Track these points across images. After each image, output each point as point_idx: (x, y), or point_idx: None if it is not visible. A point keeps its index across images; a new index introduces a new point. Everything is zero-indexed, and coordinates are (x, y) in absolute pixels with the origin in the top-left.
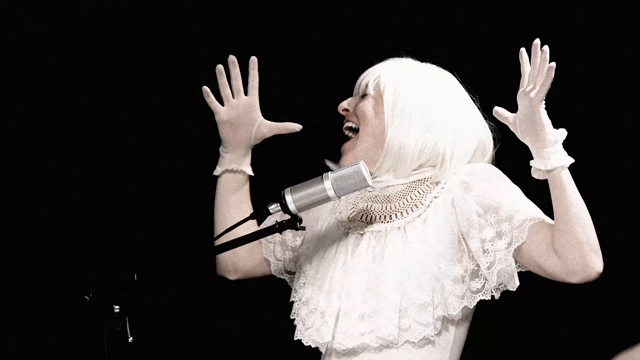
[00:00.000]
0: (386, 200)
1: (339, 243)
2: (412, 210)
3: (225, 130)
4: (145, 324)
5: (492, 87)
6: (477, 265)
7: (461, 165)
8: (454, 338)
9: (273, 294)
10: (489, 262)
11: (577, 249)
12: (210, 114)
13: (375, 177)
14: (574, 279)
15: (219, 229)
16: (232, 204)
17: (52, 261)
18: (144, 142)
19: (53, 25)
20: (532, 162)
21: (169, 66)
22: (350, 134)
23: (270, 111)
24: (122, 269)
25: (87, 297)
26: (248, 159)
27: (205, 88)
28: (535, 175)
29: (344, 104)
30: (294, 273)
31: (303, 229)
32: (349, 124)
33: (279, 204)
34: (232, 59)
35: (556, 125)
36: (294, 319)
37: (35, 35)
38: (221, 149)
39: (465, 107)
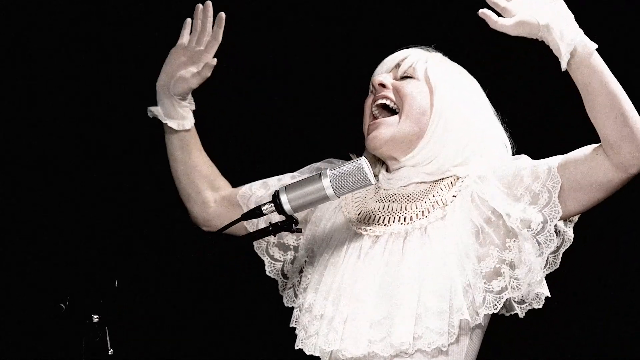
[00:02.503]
0: (405, 200)
1: (349, 245)
2: (434, 209)
3: (170, 61)
4: (127, 335)
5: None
6: (518, 249)
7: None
8: (467, 350)
9: (265, 300)
10: (541, 223)
11: (631, 140)
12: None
13: (397, 170)
14: (633, 170)
15: (179, 186)
16: (180, 162)
17: (26, 267)
18: (126, 146)
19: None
20: (574, 38)
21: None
22: (379, 113)
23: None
24: (102, 275)
25: (63, 306)
26: (176, 111)
27: (188, 20)
28: (566, 63)
29: (383, 79)
30: (284, 249)
31: (299, 231)
32: (385, 101)
33: (272, 204)
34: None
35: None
36: (295, 327)
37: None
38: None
39: (492, 113)
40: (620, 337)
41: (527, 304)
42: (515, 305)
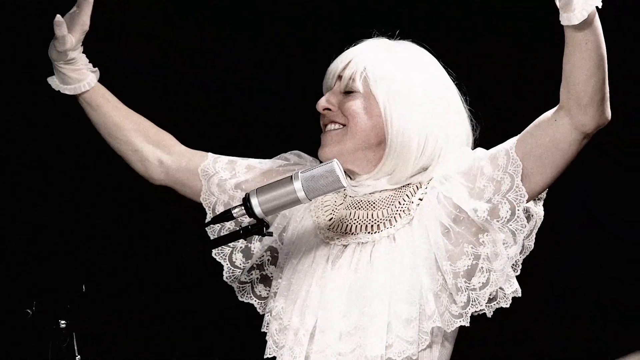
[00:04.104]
0: (371, 207)
1: (316, 252)
2: (401, 217)
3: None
4: (95, 341)
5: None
6: (492, 242)
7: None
8: (439, 356)
9: (236, 302)
10: (509, 210)
11: (602, 102)
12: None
13: (360, 180)
14: (589, 130)
15: (116, 151)
16: (100, 125)
17: None
18: (97, 150)
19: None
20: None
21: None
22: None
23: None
24: (69, 279)
25: (29, 311)
26: (69, 77)
27: None
28: (579, 20)
29: (326, 103)
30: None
31: (270, 234)
32: (333, 127)
33: (243, 207)
34: None
35: None
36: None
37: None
38: None
39: (450, 92)
40: (587, 334)
41: (495, 303)
42: (480, 308)
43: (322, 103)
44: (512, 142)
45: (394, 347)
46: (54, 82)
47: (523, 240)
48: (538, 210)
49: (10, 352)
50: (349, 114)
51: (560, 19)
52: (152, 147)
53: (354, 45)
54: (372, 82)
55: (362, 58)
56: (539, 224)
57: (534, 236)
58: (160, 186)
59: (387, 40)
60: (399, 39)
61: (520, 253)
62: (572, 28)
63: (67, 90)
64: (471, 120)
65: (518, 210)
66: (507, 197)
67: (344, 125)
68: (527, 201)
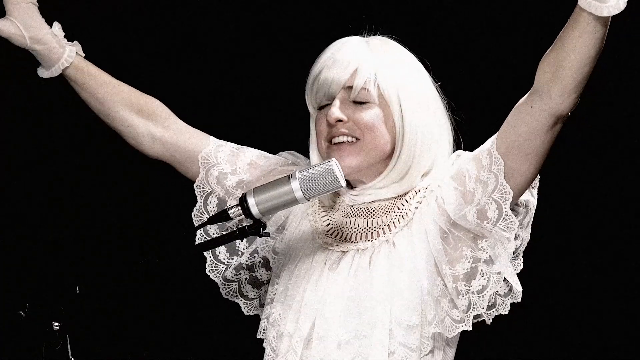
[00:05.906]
0: (370, 215)
1: (314, 257)
2: (399, 222)
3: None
4: (88, 343)
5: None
6: (490, 245)
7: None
8: None
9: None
10: (496, 210)
11: (580, 91)
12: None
13: (363, 189)
14: (563, 113)
15: (108, 124)
16: (90, 103)
17: None
18: (85, 149)
19: None
20: None
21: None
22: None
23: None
24: (62, 281)
25: (22, 313)
26: (47, 60)
27: None
28: (611, 12)
29: (340, 114)
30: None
31: (267, 235)
32: (345, 139)
33: (239, 207)
34: None
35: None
36: (263, 339)
37: None
38: None
39: (438, 98)
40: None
41: (494, 310)
42: (482, 312)
43: (335, 114)
44: (492, 140)
45: (396, 355)
46: (40, 70)
47: (520, 232)
48: (530, 199)
49: (3, 355)
50: (366, 127)
51: (582, 4)
52: (144, 121)
53: (340, 48)
54: (385, 91)
55: (370, 65)
56: (533, 212)
57: (530, 226)
58: (156, 160)
59: (377, 38)
60: (372, 34)
61: (520, 246)
62: (592, 16)
63: (47, 74)
64: (452, 122)
65: (505, 208)
66: (492, 197)
67: (357, 138)
68: (519, 195)
